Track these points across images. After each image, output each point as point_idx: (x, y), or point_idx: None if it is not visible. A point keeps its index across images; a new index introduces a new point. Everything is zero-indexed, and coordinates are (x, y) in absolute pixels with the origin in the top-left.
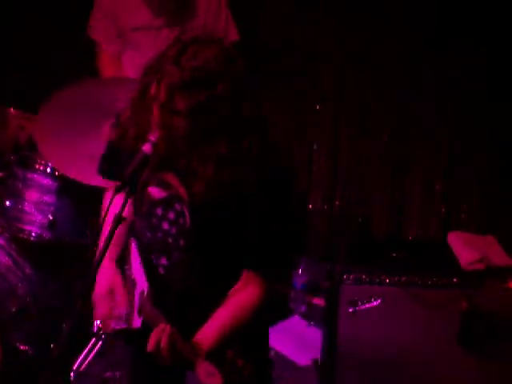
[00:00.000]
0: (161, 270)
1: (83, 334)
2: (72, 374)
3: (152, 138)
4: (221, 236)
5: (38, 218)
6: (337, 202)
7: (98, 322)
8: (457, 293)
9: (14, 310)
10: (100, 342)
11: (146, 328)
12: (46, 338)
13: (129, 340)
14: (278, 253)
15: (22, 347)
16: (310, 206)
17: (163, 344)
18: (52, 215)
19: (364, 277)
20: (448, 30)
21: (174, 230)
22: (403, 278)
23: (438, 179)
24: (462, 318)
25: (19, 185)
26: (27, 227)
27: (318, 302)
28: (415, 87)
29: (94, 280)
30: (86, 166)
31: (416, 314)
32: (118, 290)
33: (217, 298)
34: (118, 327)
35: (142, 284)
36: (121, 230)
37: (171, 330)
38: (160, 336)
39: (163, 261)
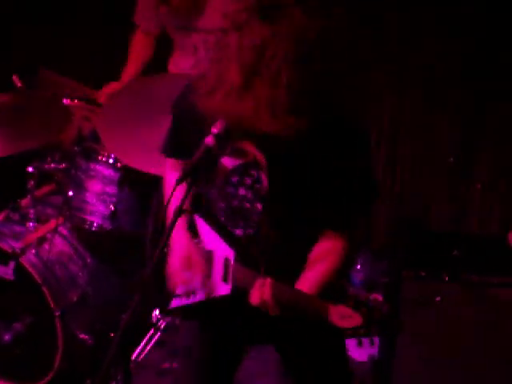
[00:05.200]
0: None
1: (142, 324)
2: (131, 364)
3: (215, 130)
4: (299, 197)
5: (100, 208)
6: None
7: (157, 311)
8: None
9: (75, 299)
10: (158, 333)
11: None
12: (106, 328)
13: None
14: (358, 211)
15: (81, 336)
16: None
17: (266, 296)
18: (114, 206)
19: (423, 274)
20: None
21: (250, 195)
22: (463, 276)
23: (500, 176)
24: None
25: (82, 176)
26: (89, 217)
27: (376, 298)
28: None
29: (154, 270)
30: (147, 157)
31: (476, 312)
32: (195, 258)
33: (298, 258)
34: (182, 303)
35: (223, 252)
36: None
37: (272, 282)
38: (262, 290)
39: (238, 231)
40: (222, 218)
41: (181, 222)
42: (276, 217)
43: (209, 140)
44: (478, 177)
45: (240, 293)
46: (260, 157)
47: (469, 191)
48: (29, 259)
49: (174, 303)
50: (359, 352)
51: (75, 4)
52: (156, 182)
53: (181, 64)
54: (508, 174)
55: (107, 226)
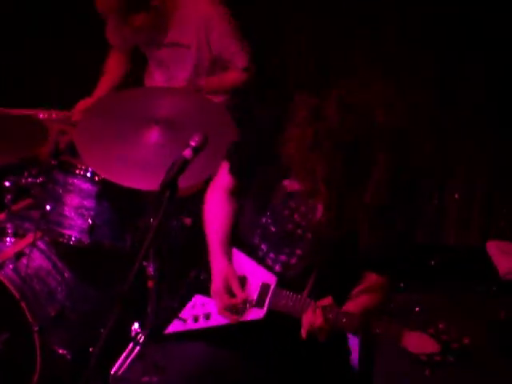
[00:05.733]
0: (277, 267)
1: (121, 338)
2: (110, 378)
3: (192, 143)
4: (348, 241)
5: (78, 222)
6: None
7: (136, 325)
8: (495, 301)
9: (53, 314)
10: (138, 347)
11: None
12: (85, 342)
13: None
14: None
15: (60, 351)
16: None
17: (318, 324)
18: (91, 220)
19: (402, 284)
20: None
21: (304, 223)
22: (442, 286)
23: (478, 187)
24: (501, 327)
25: (59, 189)
26: (67, 231)
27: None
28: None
29: (132, 285)
30: (125, 170)
31: (454, 321)
32: (233, 283)
33: (335, 292)
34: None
35: (260, 278)
36: (228, 225)
37: (323, 308)
38: (313, 318)
39: (282, 257)
40: (268, 243)
41: (221, 249)
42: (322, 252)
43: (187, 153)
44: (456, 185)
45: (273, 318)
46: (322, 187)
47: (446, 200)
48: (6, 274)
49: (175, 326)
50: None
51: (75, 5)
52: (135, 196)
53: (155, 77)
54: (485, 182)
55: (85, 239)
